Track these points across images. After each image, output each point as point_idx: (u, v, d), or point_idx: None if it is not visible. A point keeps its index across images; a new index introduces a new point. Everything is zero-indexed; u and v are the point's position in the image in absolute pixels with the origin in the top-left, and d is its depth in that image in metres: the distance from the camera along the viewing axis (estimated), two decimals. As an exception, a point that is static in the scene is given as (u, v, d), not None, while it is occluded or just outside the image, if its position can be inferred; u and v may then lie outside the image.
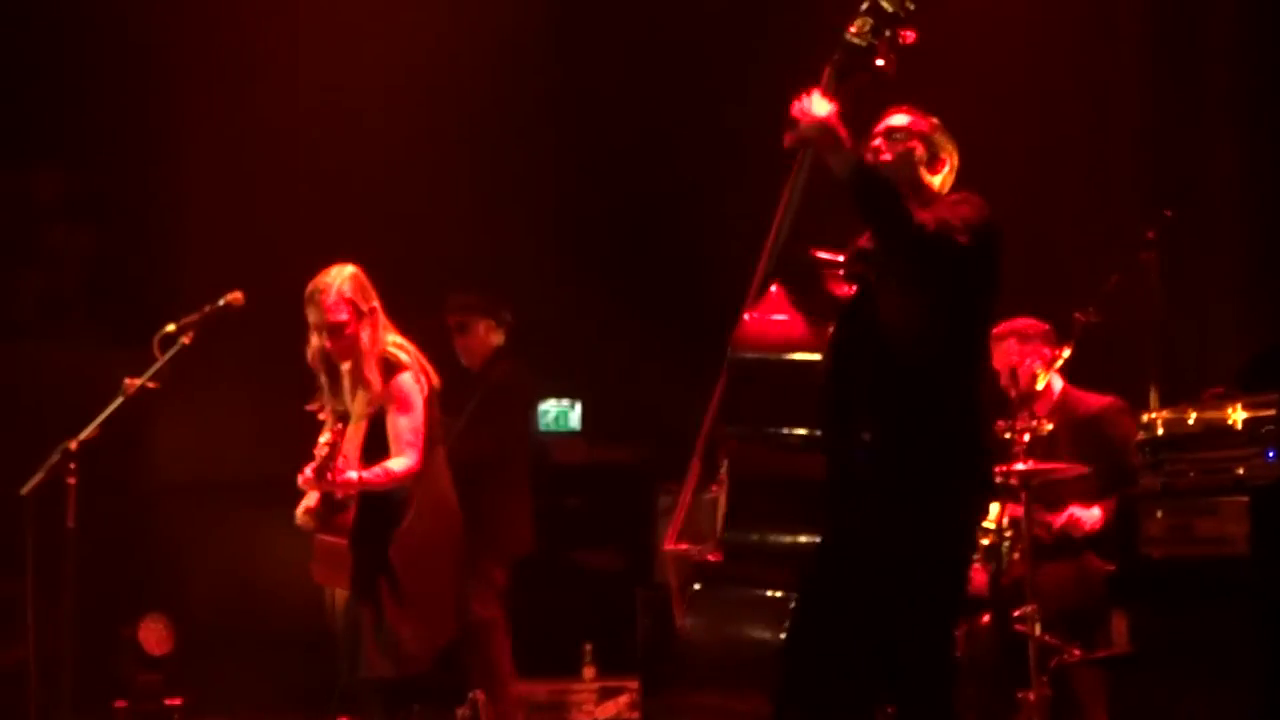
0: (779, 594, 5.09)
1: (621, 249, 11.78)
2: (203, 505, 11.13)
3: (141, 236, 11.42)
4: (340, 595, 6.69)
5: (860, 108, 5.44)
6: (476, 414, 8.20)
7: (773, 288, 5.34)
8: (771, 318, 5.30)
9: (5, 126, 11.19)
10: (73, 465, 6.51)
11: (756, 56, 10.29)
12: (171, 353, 6.58)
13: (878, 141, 5.44)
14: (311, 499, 6.55)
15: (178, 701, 10.35)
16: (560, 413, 12.13)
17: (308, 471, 6.29)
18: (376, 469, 6.36)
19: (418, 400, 6.47)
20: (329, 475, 6.24)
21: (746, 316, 5.30)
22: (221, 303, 6.74)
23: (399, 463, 6.38)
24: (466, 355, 8.53)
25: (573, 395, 12.15)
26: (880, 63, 5.29)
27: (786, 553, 5.14)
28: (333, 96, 10.89)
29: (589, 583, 11.43)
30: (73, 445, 6.51)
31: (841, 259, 5.38)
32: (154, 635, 10.44)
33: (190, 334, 6.65)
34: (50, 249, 11.69)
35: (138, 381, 6.60)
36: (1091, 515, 7.37)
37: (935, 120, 5.53)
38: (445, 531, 6.59)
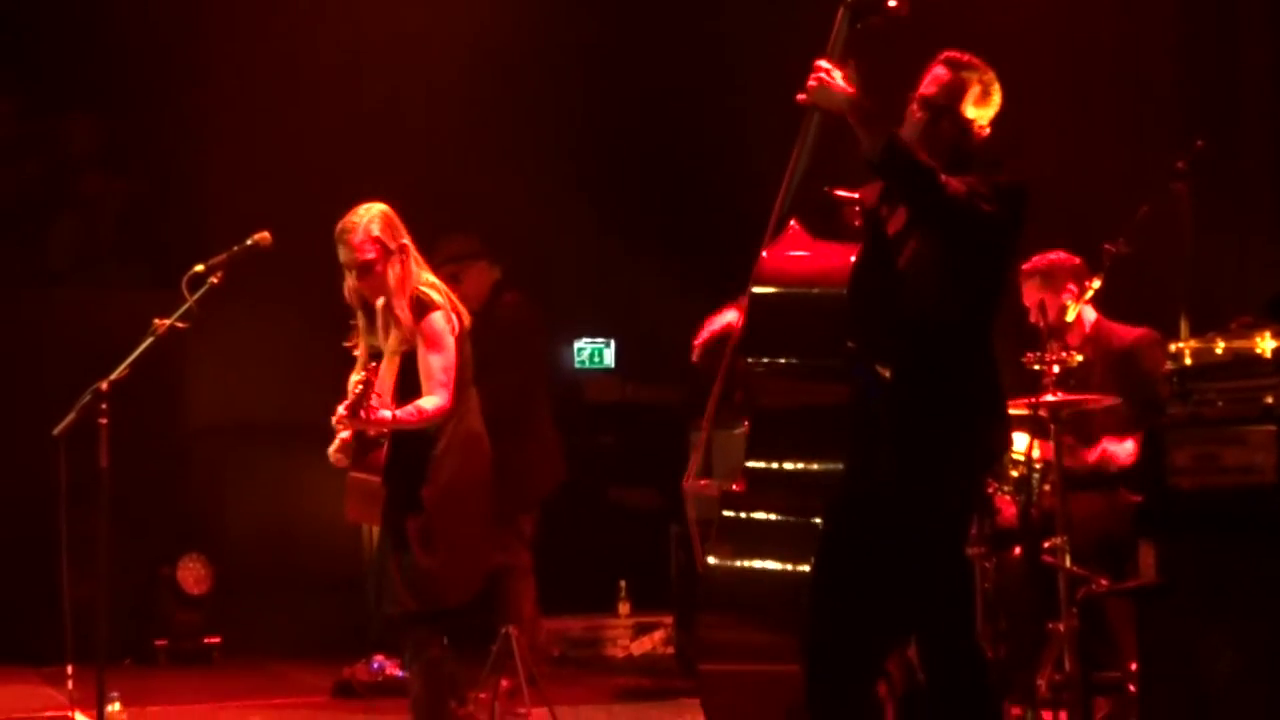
0: (802, 521, 5.10)
1: (655, 190, 11.80)
2: (241, 447, 11.24)
3: (174, 182, 11.50)
4: (378, 534, 6.73)
5: (879, 51, 5.45)
6: (488, 360, 8.10)
7: (791, 224, 5.34)
8: (790, 253, 5.32)
9: (39, 77, 11.25)
10: (104, 405, 6.52)
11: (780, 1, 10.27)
12: (200, 293, 6.59)
13: (914, 107, 5.47)
14: (344, 436, 6.57)
15: (216, 640, 10.47)
16: (595, 350, 12.17)
17: (341, 410, 6.30)
18: (409, 407, 6.37)
19: (449, 339, 6.47)
20: (362, 413, 6.25)
21: (764, 254, 5.31)
22: (249, 242, 6.75)
23: (430, 401, 6.39)
24: (465, 301, 8.20)
25: (607, 334, 12.17)
26: (893, 4, 5.30)
27: (809, 480, 5.16)
28: (363, 42, 10.92)
29: (623, 520, 11.50)
30: (104, 386, 6.53)
31: (858, 196, 5.40)
32: (192, 575, 10.55)
33: (219, 274, 6.65)
34: (84, 196, 11.76)
35: (167, 322, 6.62)
36: (1125, 449, 7.36)
37: (968, 60, 5.51)
38: (477, 471, 6.60)
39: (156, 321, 6.65)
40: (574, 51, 11.57)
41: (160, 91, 11.42)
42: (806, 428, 5.24)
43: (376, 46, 10.86)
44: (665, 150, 11.73)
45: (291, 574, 10.86)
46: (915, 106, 5.44)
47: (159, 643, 10.38)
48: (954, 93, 5.43)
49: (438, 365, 6.43)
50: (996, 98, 5.52)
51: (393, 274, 6.48)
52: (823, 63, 5.27)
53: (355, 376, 6.35)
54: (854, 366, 5.15)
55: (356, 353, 6.59)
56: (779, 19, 10.09)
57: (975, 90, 5.47)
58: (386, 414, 6.32)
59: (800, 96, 5.32)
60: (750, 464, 5.34)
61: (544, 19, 11.15)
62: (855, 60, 5.32)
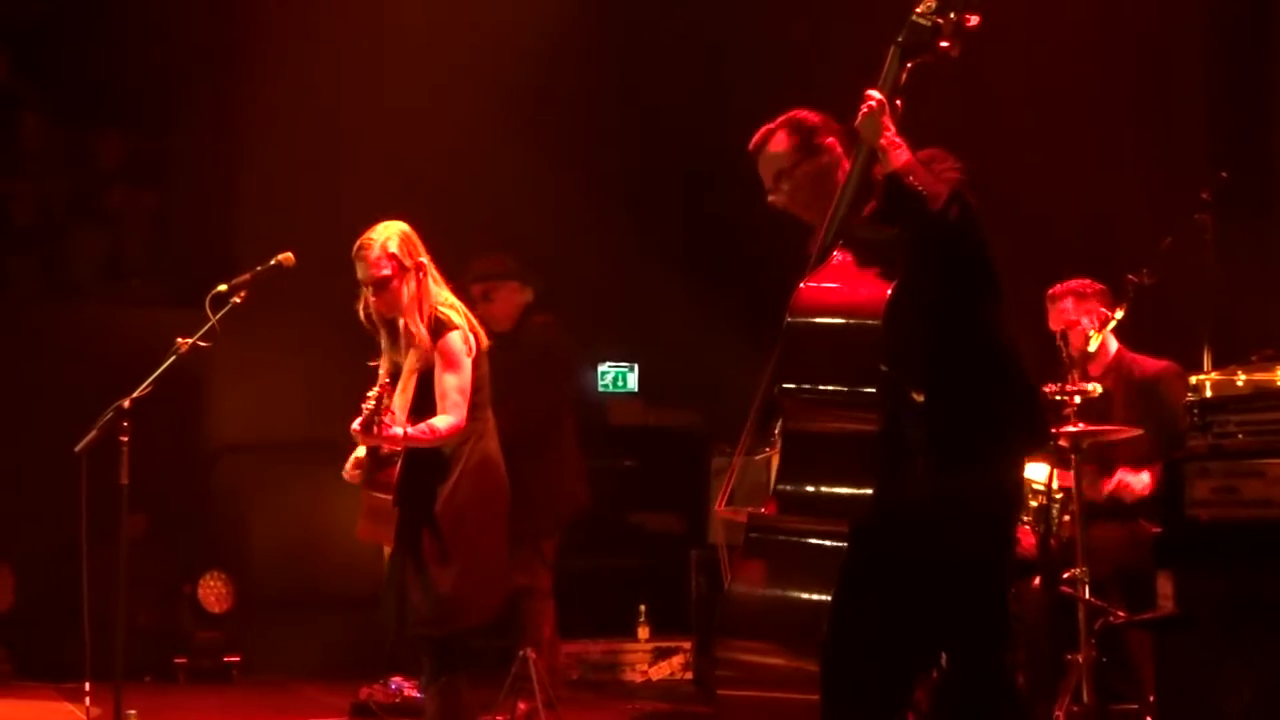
0: (830, 546, 5.09)
1: (681, 215, 11.81)
2: (263, 465, 11.25)
3: (201, 199, 11.52)
4: (389, 553, 6.74)
5: (925, 91, 5.45)
6: (515, 381, 8.11)
7: (836, 255, 5.35)
8: (827, 285, 5.31)
9: (68, 91, 11.30)
10: (126, 423, 6.56)
11: (825, 20, 10.27)
12: (223, 312, 6.64)
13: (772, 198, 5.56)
14: (360, 453, 6.59)
15: (236, 658, 10.47)
16: (619, 374, 12.17)
17: (356, 425, 6.32)
18: (422, 426, 6.38)
19: (465, 360, 6.47)
20: (376, 429, 6.27)
21: (803, 284, 5.32)
22: (273, 262, 6.80)
23: (444, 420, 6.39)
24: (493, 322, 8.27)
25: (631, 358, 12.18)
26: (944, 44, 5.30)
27: (839, 504, 5.15)
28: (392, 62, 10.93)
29: (644, 544, 11.49)
30: (126, 403, 6.57)
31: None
32: (213, 593, 10.55)
33: (242, 293, 6.71)
34: (111, 211, 11.80)
35: (190, 340, 6.65)
36: (1140, 480, 7.36)
37: (789, 121, 5.59)
38: (492, 494, 6.59)
39: (179, 340, 6.69)
40: (605, 74, 11.59)
41: (187, 107, 11.47)
42: (838, 453, 5.21)
43: (405, 66, 10.88)
44: (692, 175, 11.73)
45: (312, 593, 10.86)
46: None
47: (178, 660, 10.38)
48: None
49: (453, 385, 6.44)
50: None
51: (407, 291, 6.50)
52: (873, 92, 5.26)
53: (370, 393, 6.36)
54: (887, 393, 5.14)
55: (381, 370, 6.60)
56: (820, 41, 10.09)
57: None
58: (399, 431, 6.33)
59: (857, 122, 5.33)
60: (780, 486, 5.33)
61: (577, 41, 11.15)
62: (903, 100, 5.32)
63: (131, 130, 11.74)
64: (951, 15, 5.31)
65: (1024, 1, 8.46)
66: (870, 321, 5.16)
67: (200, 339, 6.67)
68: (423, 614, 6.40)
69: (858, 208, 5.39)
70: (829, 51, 5.60)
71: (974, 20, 5.32)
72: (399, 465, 6.47)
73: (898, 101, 5.29)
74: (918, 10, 5.33)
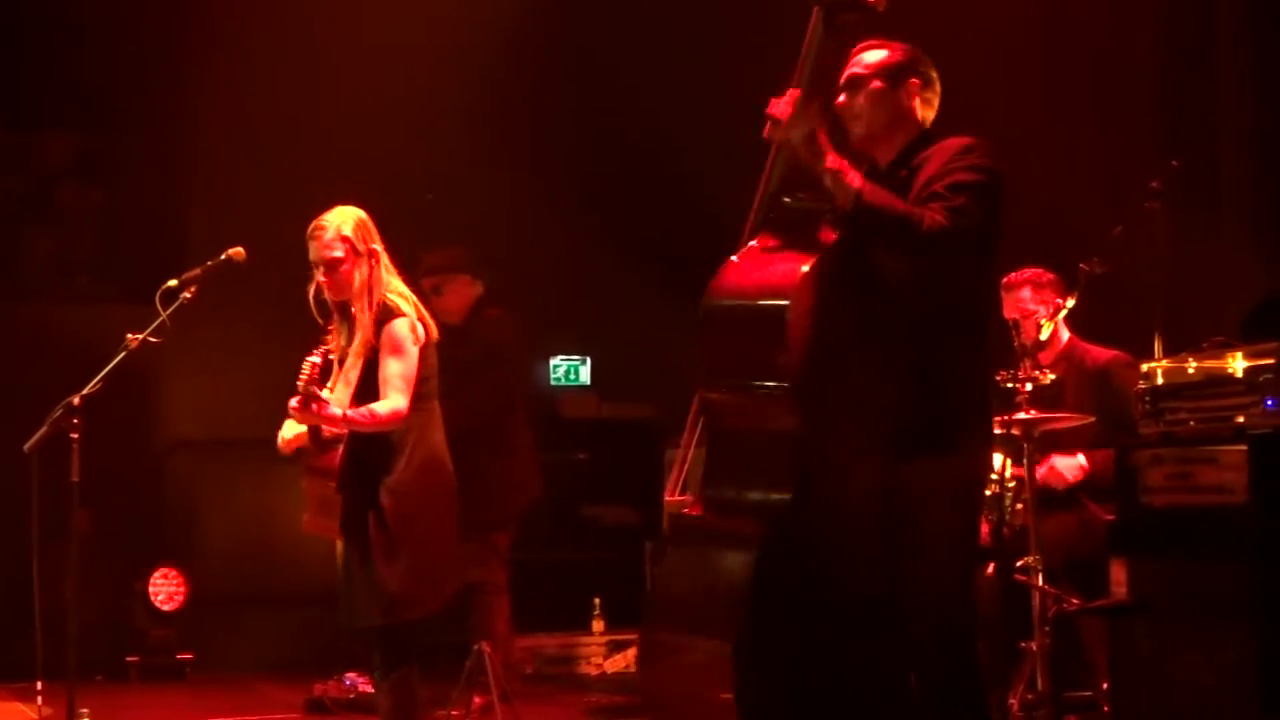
0: (749, 548, 5.00)
1: (632, 207, 11.78)
2: (215, 462, 11.20)
3: (151, 197, 11.46)
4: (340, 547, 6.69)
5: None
6: (467, 375, 8.11)
7: (752, 242, 5.27)
8: (739, 268, 5.20)
9: (15, 89, 11.21)
10: (76, 420, 6.52)
11: (773, 14, 10.26)
12: (173, 308, 6.60)
13: (841, 97, 5.36)
14: (291, 429, 6.57)
15: (189, 656, 10.42)
16: (571, 367, 12.17)
17: (294, 402, 6.27)
18: (363, 410, 6.34)
19: (411, 348, 6.43)
20: (315, 406, 6.22)
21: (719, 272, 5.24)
22: (223, 258, 6.77)
23: (385, 406, 6.35)
24: (445, 315, 8.30)
25: (583, 351, 12.18)
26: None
27: (761, 508, 5.05)
28: (339, 54, 10.88)
29: (598, 537, 11.49)
30: (76, 400, 6.53)
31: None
32: (165, 590, 10.50)
33: (192, 289, 6.68)
34: (61, 209, 11.73)
35: (140, 337, 6.62)
36: (1071, 465, 7.38)
37: (904, 47, 5.42)
38: (439, 485, 6.54)
39: (129, 336, 6.65)
40: (554, 66, 11.55)
41: (136, 106, 11.39)
42: (759, 452, 5.11)
43: (357, 62, 10.83)
44: (643, 167, 11.71)
45: (265, 590, 10.82)
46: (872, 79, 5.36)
47: (131, 659, 10.32)
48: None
49: (396, 372, 6.40)
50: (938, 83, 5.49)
51: (359, 275, 6.47)
52: (784, 99, 5.11)
53: (304, 368, 6.29)
54: (816, 384, 5.04)
55: (332, 357, 6.55)
56: (763, 33, 10.08)
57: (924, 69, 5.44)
58: (337, 412, 6.29)
59: (766, 133, 5.20)
60: (706, 490, 5.29)
61: (530, 36, 11.12)
62: (827, 95, 5.24)
63: (80, 129, 11.67)
64: None
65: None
66: (777, 302, 5.00)
67: (151, 335, 6.63)
68: (370, 607, 6.38)
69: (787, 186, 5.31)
70: (778, 40, 5.55)
71: None
72: (341, 452, 6.42)
73: (821, 99, 5.22)
74: None
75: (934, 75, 5.42)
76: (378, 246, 6.54)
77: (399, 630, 6.45)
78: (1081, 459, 7.40)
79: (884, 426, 5.08)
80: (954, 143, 5.25)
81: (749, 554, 4.99)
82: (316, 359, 6.25)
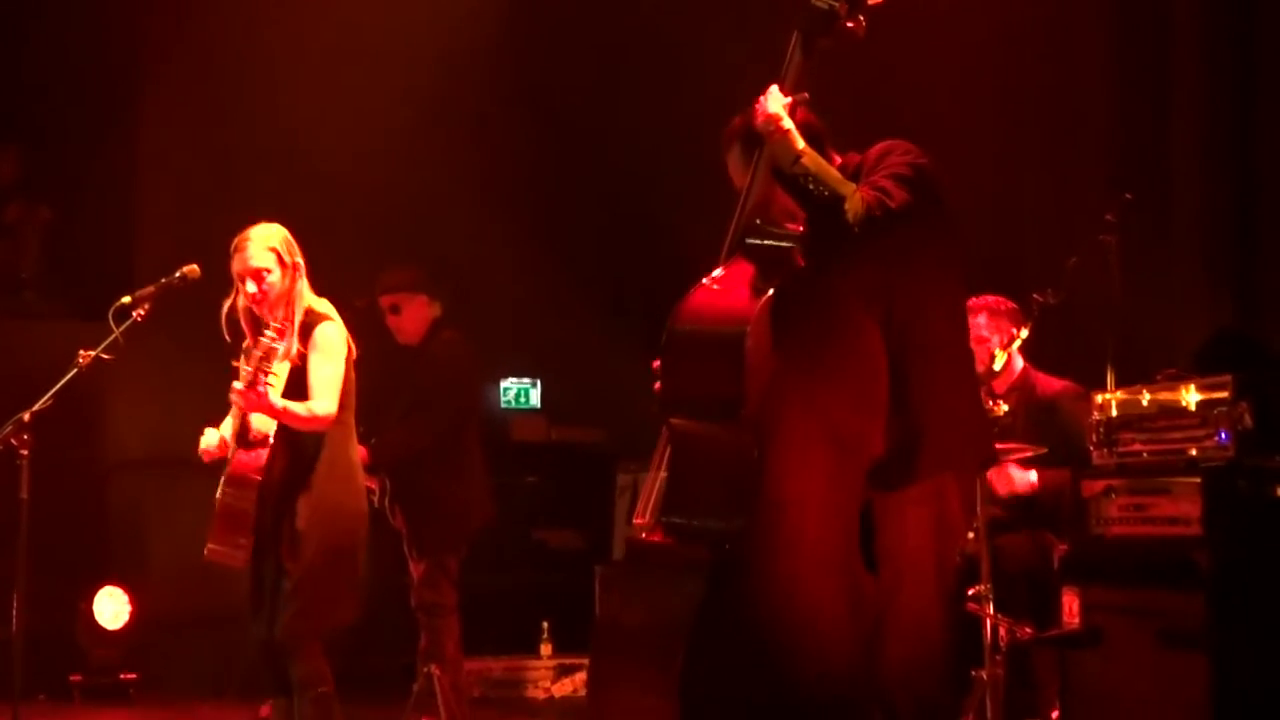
0: (703, 576, 4.95)
1: (583, 231, 11.79)
2: (162, 480, 11.10)
3: (99, 213, 11.41)
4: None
5: (838, 75, 5.40)
6: (422, 396, 8.10)
7: (717, 270, 5.25)
8: (705, 292, 5.15)
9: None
10: (26, 436, 6.48)
11: (721, 39, 10.27)
12: (125, 325, 6.57)
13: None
14: (224, 431, 6.55)
15: (133, 676, 10.33)
16: (521, 390, 12.15)
17: (238, 384, 6.25)
18: (299, 404, 6.34)
19: (341, 353, 6.45)
20: (262, 387, 6.20)
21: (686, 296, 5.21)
22: (177, 275, 6.73)
23: (321, 405, 6.35)
24: (401, 334, 8.35)
25: (533, 374, 12.16)
26: (849, 25, 5.21)
27: (719, 536, 4.99)
28: (294, 73, 10.86)
29: (547, 560, 11.47)
30: (26, 416, 6.50)
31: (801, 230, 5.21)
32: (110, 609, 10.41)
33: (145, 307, 6.65)
34: (7, 225, 11.66)
35: (92, 353, 6.58)
36: (1023, 478, 7.39)
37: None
38: (355, 502, 6.56)
39: (81, 353, 6.62)
40: (510, 94, 11.56)
41: (84, 121, 11.35)
42: (716, 481, 5.07)
43: (310, 79, 10.81)
44: (594, 191, 11.73)
45: (211, 610, 10.73)
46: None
47: (74, 678, 10.23)
48: None
49: (327, 375, 6.42)
50: None
51: (283, 286, 6.46)
52: (779, 111, 5.12)
53: (256, 351, 6.28)
54: (756, 419, 4.97)
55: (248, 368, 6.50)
56: (722, 53, 10.10)
57: None
58: (277, 401, 6.28)
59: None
60: (663, 514, 5.27)
61: (485, 55, 11.12)
62: (810, 90, 5.24)
63: (27, 144, 11.61)
64: None
65: (924, 21, 8.47)
66: (734, 330, 4.95)
67: (103, 352, 6.59)
68: (282, 623, 6.38)
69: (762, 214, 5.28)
70: (741, 63, 5.56)
71: None
72: (266, 461, 6.39)
73: (805, 95, 5.23)
74: None
75: None
76: (299, 260, 6.54)
77: (314, 645, 6.44)
78: (1033, 475, 7.40)
79: (852, 457, 5.05)
80: (872, 151, 5.26)
81: (702, 582, 4.96)
82: (260, 351, 6.24)
